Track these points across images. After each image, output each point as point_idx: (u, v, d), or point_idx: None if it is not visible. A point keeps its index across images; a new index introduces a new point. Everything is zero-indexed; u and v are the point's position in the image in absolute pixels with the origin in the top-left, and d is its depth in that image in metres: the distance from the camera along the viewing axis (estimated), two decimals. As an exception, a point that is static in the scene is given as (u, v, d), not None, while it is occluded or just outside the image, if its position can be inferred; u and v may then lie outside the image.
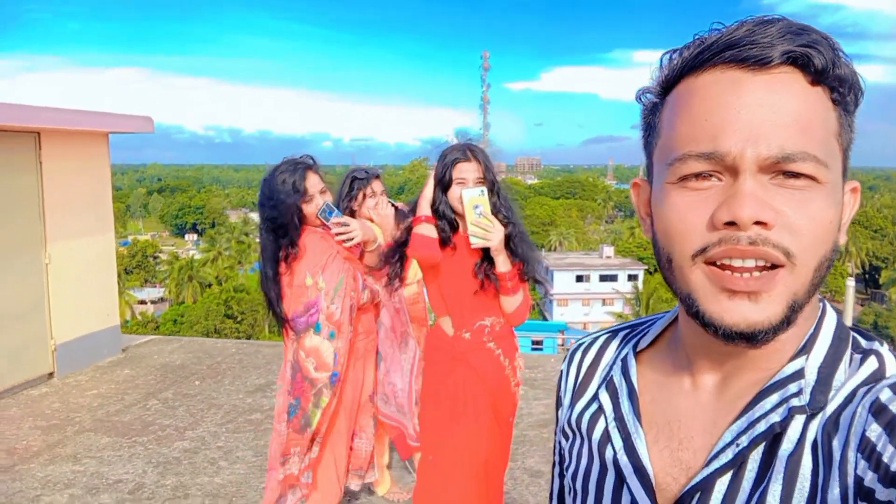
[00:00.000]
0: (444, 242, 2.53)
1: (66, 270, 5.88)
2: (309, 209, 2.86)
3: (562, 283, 48.33)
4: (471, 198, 2.45)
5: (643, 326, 0.79)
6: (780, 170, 0.56)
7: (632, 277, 46.43)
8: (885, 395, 0.55)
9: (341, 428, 2.99)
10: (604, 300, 46.96)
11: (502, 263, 2.48)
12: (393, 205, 3.26)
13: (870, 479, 0.53)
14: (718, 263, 0.58)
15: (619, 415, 0.72)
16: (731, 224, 0.56)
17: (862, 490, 0.53)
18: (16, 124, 5.16)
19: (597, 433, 0.74)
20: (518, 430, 3.96)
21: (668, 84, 0.64)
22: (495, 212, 2.48)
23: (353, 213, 3.28)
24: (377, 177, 3.35)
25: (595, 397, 0.77)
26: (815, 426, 0.59)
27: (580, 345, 0.85)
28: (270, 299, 2.88)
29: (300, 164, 2.89)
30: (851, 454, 0.55)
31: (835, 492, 0.55)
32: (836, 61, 0.57)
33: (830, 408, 0.59)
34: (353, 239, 2.86)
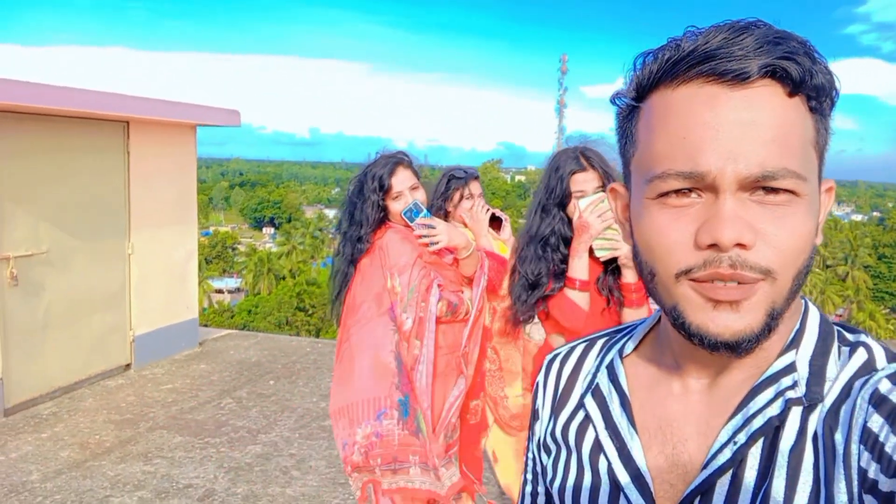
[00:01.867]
0: (560, 273, 2.22)
1: (149, 261, 5.85)
2: (395, 206, 2.62)
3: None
4: (590, 206, 2.13)
5: (622, 333, 0.78)
6: (760, 186, 0.56)
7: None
8: (884, 386, 0.56)
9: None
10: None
11: (630, 275, 2.16)
12: (492, 211, 2.98)
13: (874, 470, 0.53)
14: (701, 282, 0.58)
15: (612, 423, 0.70)
16: (712, 245, 0.56)
17: (867, 482, 0.53)
18: (105, 112, 5.12)
19: (587, 444, 0.72)
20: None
21: (643, 91, 0.62)
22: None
23: (447, 215, 3.01)
24: (476, 178, 3.08)
25: (580, 406, 0.75)
26: (814, 419, 0.59)
27: (556, 355, 0.83)
28: (339, 296, 2.69)
29: (391, 159, 2.65)
30: (854, 447, 0.55)
31: (840, 485, 0.54)
32: (814, 70, 0.56)
33: (829, 400, 0.59)
34: (437, 243, 2.57)
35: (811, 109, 0.58)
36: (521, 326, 2.33)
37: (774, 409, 0.59)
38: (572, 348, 0.82)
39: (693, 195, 0.58)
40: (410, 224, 2.61)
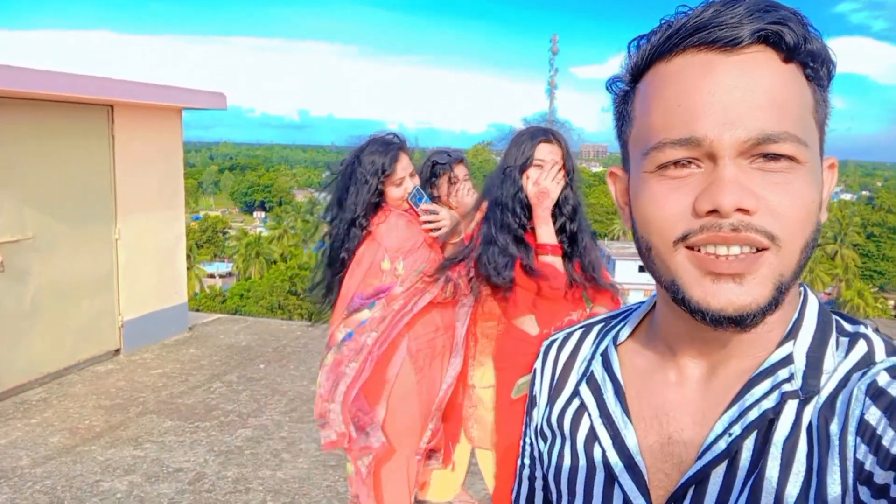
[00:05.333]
0: (521, 241, 2.29)
1: (136, 246, 5.82)
2: (395, 192, 2.63)
3: (624, 272, 47.20)
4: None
5: (618, 319, 0.77)
6: (760, 152, 0.55)
7: (700, 271, 45.04)
8: (882, 379, 0.55)
9: (415, 429, 2.72)
10: (669, 293, 45.77)
11: (546, 235, 2.31)
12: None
13: (870, 462, 0.52)
14: (701, 250, 0.56)
15: (606, 411, 0.69)
16: (712, 212, 0.54)
17: (862, 474, 0.53)
18: (89, 96, 5.06)
19: (581, 431, 0.71)
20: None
21: (639, 71, 0.62)
22: (564, 202, 2.31)
23: (434, 201, 3.01)
24: (461, 160, 3.05)
25: (576, 393, 0.74)
26: (809, 410, 0.58)
27: (553, 341, 0.81)
28: (331, 283, 2.71)
29: (393, 145, 2.64)
30: (850, 438, 0.54)
31: (835, 476, 0.54)
32: (808, 36, 0.55)
33: (825, 392, 0.58)
34: (440, 229, 2.59)
35: (808, 78, 0.57)
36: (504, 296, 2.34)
37: (770, 402, 0.59)
38: (569, 334, 0.80)
39: (692, 166, 0.57)
40: (416, 209, 2.64)
